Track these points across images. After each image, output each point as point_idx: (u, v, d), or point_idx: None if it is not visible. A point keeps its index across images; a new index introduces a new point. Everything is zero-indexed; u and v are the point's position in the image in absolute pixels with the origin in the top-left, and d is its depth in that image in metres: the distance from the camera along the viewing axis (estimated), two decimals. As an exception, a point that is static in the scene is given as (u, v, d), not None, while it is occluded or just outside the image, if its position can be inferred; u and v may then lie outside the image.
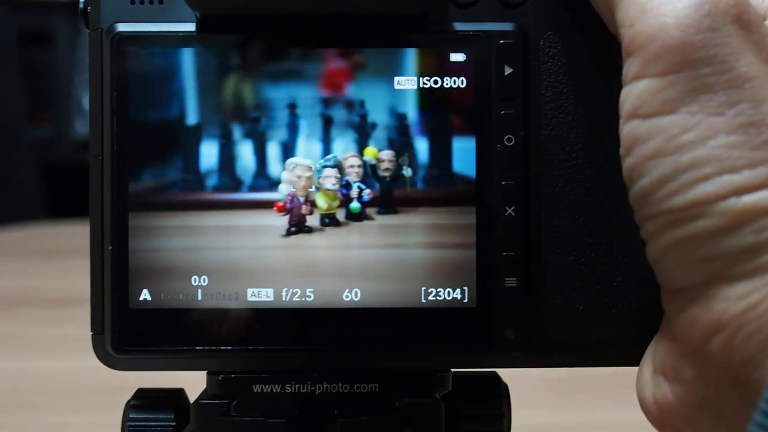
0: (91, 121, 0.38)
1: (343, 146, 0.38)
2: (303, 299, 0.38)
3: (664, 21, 0.32)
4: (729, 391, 0.32)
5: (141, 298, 0.38)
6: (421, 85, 0.38)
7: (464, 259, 0.38)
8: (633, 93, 0.33)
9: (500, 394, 0.40)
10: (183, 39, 0.38)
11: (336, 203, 0.38)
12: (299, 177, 0.38)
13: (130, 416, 0.39)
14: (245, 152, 0.38)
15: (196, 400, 0.39)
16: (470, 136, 0.38)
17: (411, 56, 0.38)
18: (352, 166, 0.38)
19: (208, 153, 0.38)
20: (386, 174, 0.38)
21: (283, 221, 0.38)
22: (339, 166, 0.39)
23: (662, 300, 0.34)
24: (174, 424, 0.39)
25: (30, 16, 2.19)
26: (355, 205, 0.38)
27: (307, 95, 0.38)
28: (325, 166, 0.38)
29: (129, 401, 0.40)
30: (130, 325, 0.38)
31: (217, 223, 0.38)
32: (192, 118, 0.38)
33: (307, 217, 0.38)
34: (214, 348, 0.38)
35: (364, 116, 0.38)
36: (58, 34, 2.24)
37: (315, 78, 0.38)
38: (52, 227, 1.45)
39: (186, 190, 0.38)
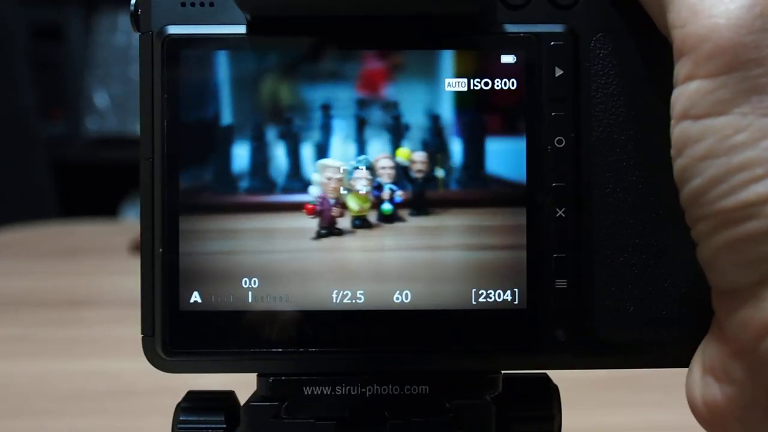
0: (142, 123, 0.38)
1: (380, 147, 0.38)
2: (354, 301, 0.38)
3: (716, 22, 0.32)
4: None
5: (191, 301, 0.38)
6: (471, 87, 0.38)
7: (513, 260, 0.38)
8: (684, 94, 0.33)
9: (551, 395, 0.40)
10: (234, 41, 0.38)
11: (368, 205, 0.38)
12: (329, 179, 0.38)
13: (181, 418, 0.39)
14: (283, 154, 0.38)
15: (247, 403, 0.39)
16: (521, 138, 0.38)
17: (462, 58, 0.38)
18: (384, 168, 0.38)
19: (249, 155, 0.38)
20: (419, 175, 0.38)
21: (313, 223, 0.38)
22: (371, 168, 0.38)
23: (713, 301, 0.34)
24: (224, 426, 0.39)
25: (42, 11, 2.19)
26: (387, 206, 0.38)
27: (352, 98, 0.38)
28: (356, 168, 0.38)
29: (179, 403, 0.40)
30: (180, 327, 0.38)
31: (260, 225, 0.38)
32: (241, 120, 0.38)
33: (337, 219, 0.38)
34: (264, 350, 0.38)
35: (397, 117, 0.38)
36: (70, 29, 2.24)
37: (354, 79, 0.38)
38: (63, 226, 1.45)
39: (234, 192, 0.38)
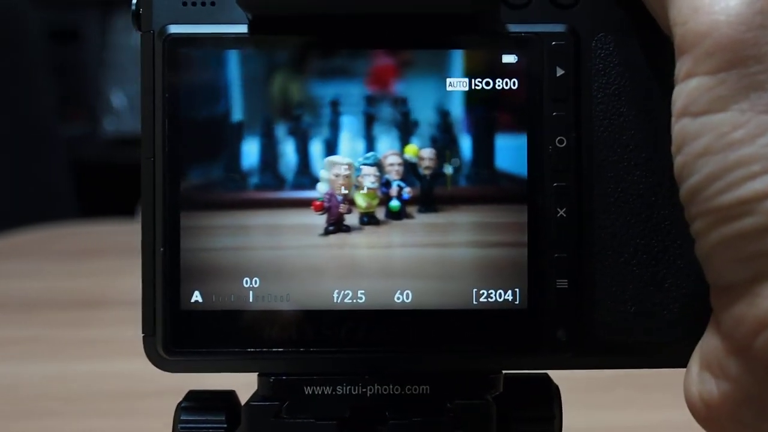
0: (143, 122, 0.38)
1: (388, 144, 0.38)
2: (354, 301, 0.38)
3: (716, 19, 0.32)
4: None
5: (192, 300, 0.38)
6: (472, 87, 0.38)
7: (514, 260, 0.38)
8: (684, 91, 0.33)
9: (551, 395, 0.40)
10: (235, 40, 0.38)
11: (375, 202, 0.38)
12: (337, 176, 0.38)
13: (182, 418, 0.39)
14: (291, 150, 0.38)
15: (248, 402, 0.39)
16: (522, 137, 0.38)
17: (463, 57, 0.38)
18: (392, 164, 0.38)
19: (257, 152, 0.38)
20: (427, 172, 0.38)
21: (321, 220, 0.38)
22: (379, 165, 0.38)
23: (710, 297, 0.34)
24: (225, 426, 0.39)
25: (59, 14, 2.20)
26: (395, 203, 0.38)
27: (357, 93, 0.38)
28: (364, 165, 0.38)
29: (180, 403, 0.40)
30: (181, 326, 0.38)
31: (264, 222, 0.38)
32: (242, 118, 0.38)
33: (345, 216, 0.38)
34: (265, 350, 0.38)
35: (406, 114, 0.38)
36: (87, 30, 2.25)
37: (363, 75, 0.38)
38: (81, 226, 1.45)
39: (235, 190, 0.38)
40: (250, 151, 0.38)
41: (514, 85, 0.38)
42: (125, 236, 1.31)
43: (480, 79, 0.38)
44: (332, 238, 0.38)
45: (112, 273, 1.09)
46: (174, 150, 0.38)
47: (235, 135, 0.38)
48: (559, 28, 0.38)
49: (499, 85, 0.38)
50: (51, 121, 1.74)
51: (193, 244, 0.38)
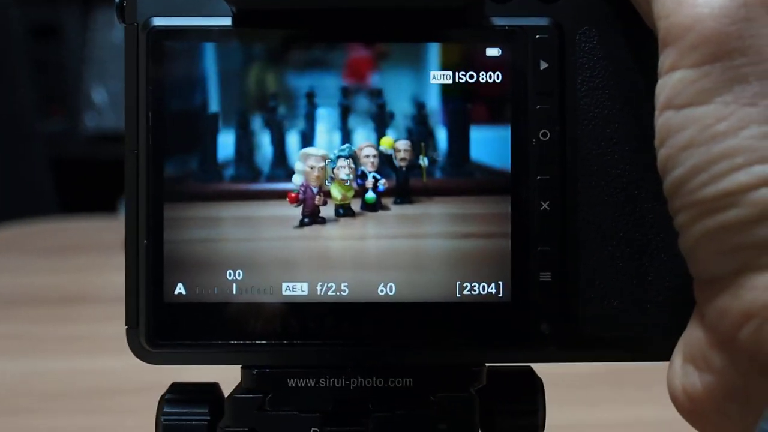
0: (127, 115, 0.38)
1: (365, 136, 0.38)
2: (338, 293, 0.38)
3: (699, 12, 0.32)
4: (758, 381, 0.32)
5: (176, 292, 0.38)
6: (456, 80, 0.38)
7: (497, 252, 0.38)
8: (668, 84, 0.33)
9: (535, 388, 0.40)
10: (219, 33, 0.38)
11: (351, 194, 0.38)
12: (312, 167, 0.38)
13: (165, 410, 0.39)
14: (267, 143, 0.38)
15: (231, 395, 0.39)
16: (505, 130, 0.38)
17: (447, 50, 0.38)
18: (367, 156, 0.38)
19: (237, 144, 0.38)
20: (402, 164, 0.38)
21: (296, 212, 0.38)
22: (354, 156, 0.38)
23: (694, 290, 0.34)
24: (209, 418, 0.39)
25: (40, 10, 2.19)
26: (370, 195, 0.38)
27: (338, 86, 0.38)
28: (339, 157, 0.38)
29: (163, 395, 0.40)
30: (164, 319, 0.38)
31: (244, 214, 0.38)
32: (226, 111, 0.38)
33: (320, 208, 0.38)
34: (248, 342, 0.38)
35: (383, 105, 0.38)
36: (68, 27, 2.24)
37: (340, 67, 0.38)
38: (62, 223, 1.44)
39: (217, 182, 0.38)
40: (231, 143, 0.38)
41: (498, 78, 0.38)
42: (106, 233, 1.31)
43: (464, 72, 0.38)
44: (307, 230, 0.38)
45: (92, 269, 1.09)
46: (157, 142, 0.38)
47: (217, 127, 0.38)
48: (543, 21, 0.38)
49: (482, 78, 0.38)
50: (31, 117, 1.74)
51: (176, 236, 0.38)
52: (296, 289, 0.38)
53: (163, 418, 0.39)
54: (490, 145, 0.38)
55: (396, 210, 0.38)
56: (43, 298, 0.96)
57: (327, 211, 0.38)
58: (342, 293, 0.38)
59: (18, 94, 1.71)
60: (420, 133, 0.38)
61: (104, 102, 2.21)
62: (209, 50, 0.38)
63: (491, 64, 0.38)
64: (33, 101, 1.78)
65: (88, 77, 2.21)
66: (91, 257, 1.16)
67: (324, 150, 0.38)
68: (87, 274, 1.06)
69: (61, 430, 0.59)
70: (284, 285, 0.38)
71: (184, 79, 0.38)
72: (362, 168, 0.38)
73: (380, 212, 0.38)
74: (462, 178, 0.38)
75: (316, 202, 0.38)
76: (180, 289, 0.38)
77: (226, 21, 0.38)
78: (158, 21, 0.38)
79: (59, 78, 2.23)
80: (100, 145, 2.18)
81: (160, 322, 0.38)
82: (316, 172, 0.38)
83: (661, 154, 0.33)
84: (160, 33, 0.38)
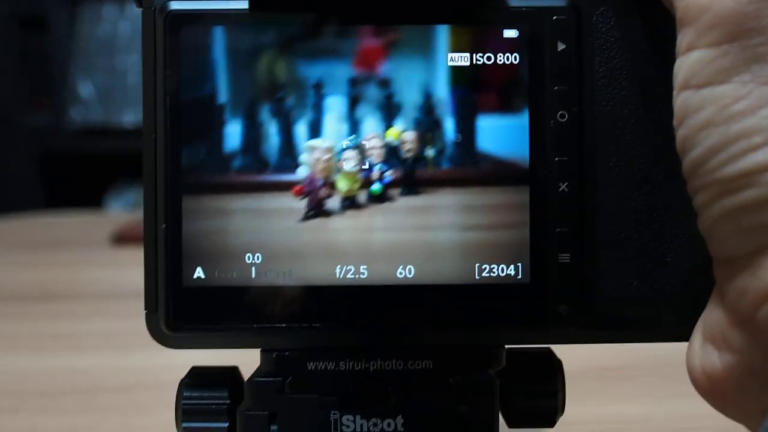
0: (145, 100, 0.38)
1: (374, 126, 0.38)
2: (357, 276, 0.38)
3: None
4: None
5: (195, 276, 0.38)
6: (474, 62, 0.38)
7: (517, 234, 0.38)
8: (686, 64, 0.33)
9: (555, 370, 0.40)
10: (236, 17, 0.38)
11: (357, 185, 0.38)
12: (318, 159, 0.38)
13: (185, 394, 0.39)
14: (275, 132, 0.38)
15: (251, 378, 0.39)
16: (523, 112, 0.38)
17: (464, 32, 0.38)
18: (373, 148, 0.38)
19: (259, 132, 0.38)
20: (409, 155, 0.38)
21: (301, 204, 0.38)
22: (360, 148, 0.38)
23: (714, 270, 0.34)
24: (228, 401, 0.39)
25: (26, 2, 2.18)
26: (376, 186, 0.38)
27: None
28: (345, 148, 0.38)
29: (183, 379, 0.40)
30: (183, 303, 0.38)
31: (253, 205, 0.38)
32: (243, 96, 0.38)
33: (326, 200, 0.38)
34: (268, 326, 0.38)
35: (390, 96, 0.38)
36: (54, 20, 2.23)
37: (350, 56, 0.38)
38: (47, 217, 1.44)
39: (227, 169, 0.38)
40: (243, 132, 0.38)
41: (515, 59, 0.38)
42: (91, 228, 1.30)
43: (481, 54, 0.38)
44: (312, 222, 0.38)
45: (75, 265, 1.08)
46: (176, 127, 0.37)
47: (232, 114, 0.38)
48: (560, 2, 0.38)
49: (500, 60, 0.38)
50: (17, 110, 1.73)
51: (195, 220, 0.38)
52: (315, 272, 0.38)
53: (183, 402, 0.39)
54: (506, 129, 0.38)
55: (403, 201, 0.38)
56: (24, 293, 0.95)
57: (332, 203, 0.38)
58: (361, 276, 0.38)
59: (4, 87, 1.70)
60: (428, 123, 0.38)
61: (91, 96, 2.20)
62: (226, 34, 0.38)
63: (509, 46, 0.38)
64: (19, 94, 1.77)
65: (74, 71, 2.20)
66: (76, 253, 1.15)
67: (330, 141, 0.38)
68: (71, 270, 1.05)
69: (43, 428, 0.58)
70: (303, 269, 0.38)
71: (203, 63, 0.38)
72: (368, 159, 0.38)
73: (386, 203, 0.38)
74: (471, 167, 0.38)
75: (321, 194, 0.38)
76: (199, 272, 0.38)
77: (244, 4, 0.38)
78: (175, 5, 0.38)
79: (46, 71, 2.22)
80: (86, 140, 2.17)
81: (180, 306, 0.38)
82: (321, 164, 0.38)
83: (680, 134, 0.33)
84: (177, 17, 0.38)
